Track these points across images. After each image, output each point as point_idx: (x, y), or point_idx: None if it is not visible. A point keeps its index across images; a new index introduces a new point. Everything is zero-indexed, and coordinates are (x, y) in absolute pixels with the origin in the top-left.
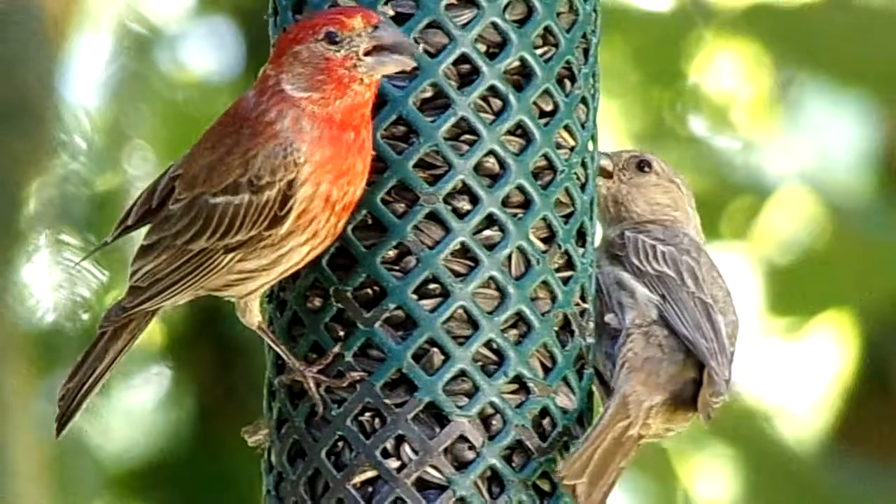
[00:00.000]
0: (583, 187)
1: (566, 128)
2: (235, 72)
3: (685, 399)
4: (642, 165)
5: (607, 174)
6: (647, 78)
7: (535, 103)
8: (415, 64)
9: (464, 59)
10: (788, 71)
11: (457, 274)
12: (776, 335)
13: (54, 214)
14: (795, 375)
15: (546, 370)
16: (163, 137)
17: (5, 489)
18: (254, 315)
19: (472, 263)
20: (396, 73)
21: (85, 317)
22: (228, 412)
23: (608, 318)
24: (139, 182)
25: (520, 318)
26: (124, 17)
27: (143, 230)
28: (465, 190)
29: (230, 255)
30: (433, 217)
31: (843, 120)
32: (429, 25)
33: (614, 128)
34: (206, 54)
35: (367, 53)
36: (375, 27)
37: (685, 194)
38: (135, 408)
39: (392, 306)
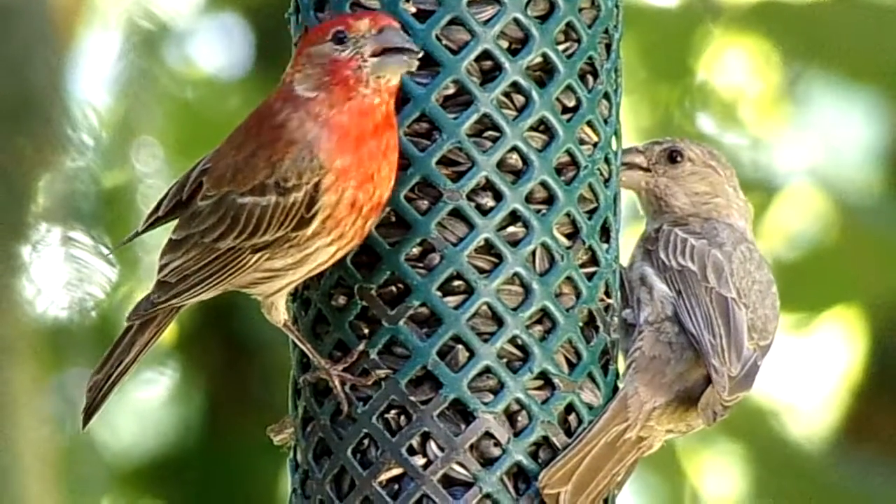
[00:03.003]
0: (606, 183)
1: (589, 123)
2: (245, 69)
3: (699, 397)
4: (674, 156)
5: (643, 169)
6: (655, 75)
7: (557, 99)
8: (416, 65)
9: (486, 55)
10: (797, 67)
11: (481, 270)
12: (784, 331)
13: (63, 211)
14: (803, 371)
15: (571, 366)
16: (171, 134)
17: (13, 486)
18: (280, 313)
19: (496, 260)
20: (407, 72)
21: (94, 314)
22: (238, 408)
23: (625, 313)
24: (148, 179)
25: (544, 314)
26: (133, 14)
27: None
28: (489, 186)
29: (257, 255)
30: (457, 214)
31: (851, 116)
32: (451, 22)
33: (622, 125)
34: (215, 51)
35: (372, 55)
36: (381, 30)
37: (723, 175)
38: (144, 404)
39: (416, 303)
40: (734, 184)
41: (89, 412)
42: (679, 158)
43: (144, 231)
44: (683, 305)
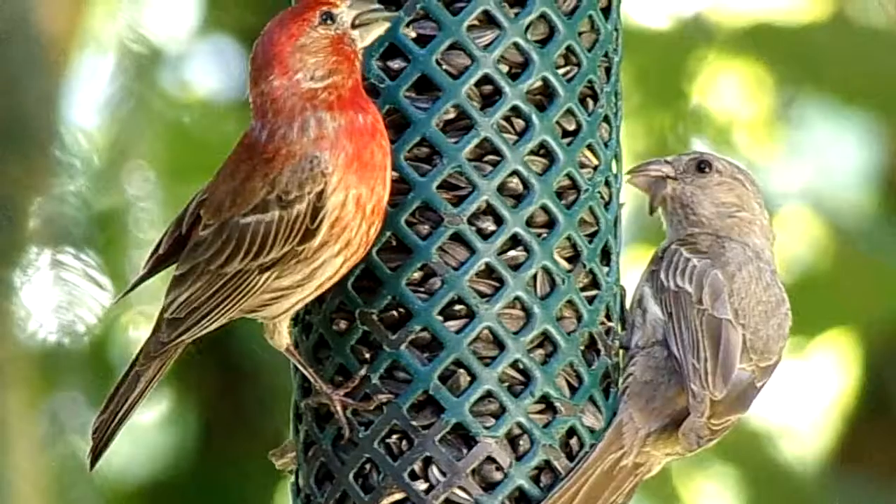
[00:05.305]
0: (606, 206)
1: (589, 147)
2: (239, 92)
3: None
4: (702, 166)
5: (670, 178)
6: (649, 98)
7: (557, 123)
8: (392, 17)
9: (486, 79)
10: (790, 91)
11: (482, 295)
12: None
13: (54, 234)
14: (797, 395)
15: (573, 390)
16: (163, 157)
17: None
18: (283, 337)
19: (497, 284)
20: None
21: (85, 338)
22: (232, 432)
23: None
24: (140, 203)
25: (546, 338)
26: (125, 38)
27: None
28: (490, 210)
29: (265, 275)
30: (457, 238)
31: (845, 139)
32: (451, 47)
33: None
34: (209, 74)
35: (353, 27)
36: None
37: (750, 190)
38: (138, 427)
39: (418, 328)
40: (760, 201)
41: (97, 453)
42: (707, 169)
43: (149, 276)
44: (672, 329)
